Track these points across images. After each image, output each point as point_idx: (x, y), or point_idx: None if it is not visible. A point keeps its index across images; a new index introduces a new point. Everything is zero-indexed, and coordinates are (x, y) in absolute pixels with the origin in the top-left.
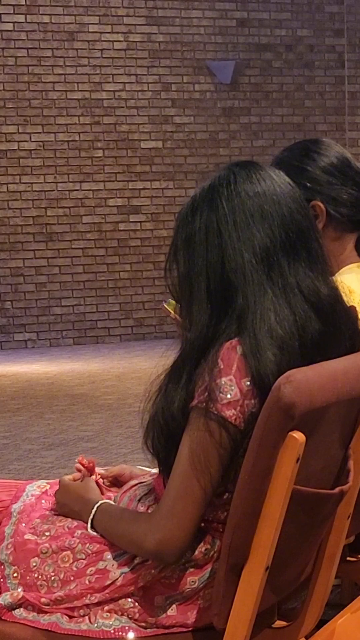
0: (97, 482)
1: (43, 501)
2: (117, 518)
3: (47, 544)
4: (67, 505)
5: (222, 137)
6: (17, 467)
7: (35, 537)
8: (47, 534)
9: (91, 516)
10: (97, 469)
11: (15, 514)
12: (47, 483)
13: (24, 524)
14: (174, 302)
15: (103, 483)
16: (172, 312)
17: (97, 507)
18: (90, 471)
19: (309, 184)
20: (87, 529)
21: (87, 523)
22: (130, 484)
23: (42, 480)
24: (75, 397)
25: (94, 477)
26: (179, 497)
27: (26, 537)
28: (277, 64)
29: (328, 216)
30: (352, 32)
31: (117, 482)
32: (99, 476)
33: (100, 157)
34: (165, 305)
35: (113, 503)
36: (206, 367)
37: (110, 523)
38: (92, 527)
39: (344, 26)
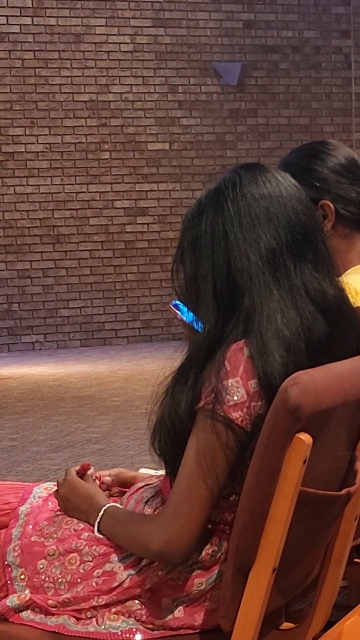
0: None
1: (50, 503)
2: (124, 521)
3: (53, 546)
4: (72, 502)
5: (229, 138)
6: (24, 469)
7: (42, 539)
8: (53, 536)
9: (98, 519)
10: (105, 478)
11: (22, 516)
12: (54, 485)
13: (30, 526)
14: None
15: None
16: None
17: (104, 511)
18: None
19: (317, 184)
20: (93, 532)
21: (93, 525)
22: (137, 486)
23: (49, 482)
24: (83, 399)
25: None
26: (185, 499)
27: (33, 539)
28: (283, 65)
29: (337, 215)
30: (359, 34)
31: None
32: (104, 484)
33: (107, 159)
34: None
35: (120, 506)
36: (213, 369)
37: (116, 526)
38: (98, 530)
39: (351, 27)
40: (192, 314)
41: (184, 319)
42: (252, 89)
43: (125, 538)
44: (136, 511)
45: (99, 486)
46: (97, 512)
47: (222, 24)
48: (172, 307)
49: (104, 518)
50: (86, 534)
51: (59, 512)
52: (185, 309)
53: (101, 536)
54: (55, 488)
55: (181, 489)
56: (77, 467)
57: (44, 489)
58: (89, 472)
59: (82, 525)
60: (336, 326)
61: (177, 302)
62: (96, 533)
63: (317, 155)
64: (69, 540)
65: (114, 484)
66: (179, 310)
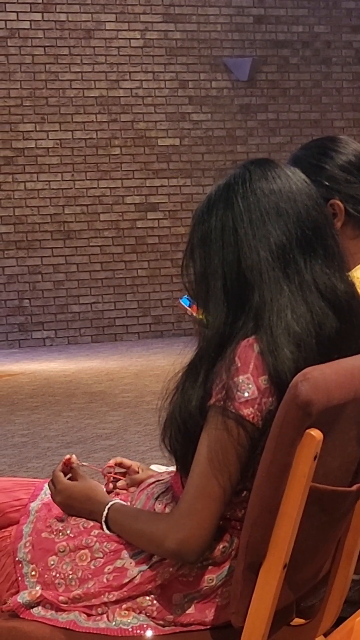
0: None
1: None
2: (133, 518)
3: (64, 543)
4: (74, 507)
5: (240, 134)
6: (35, 465)
7: (52, 535)
8: (63, 532)
9: (103, 517)
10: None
11: (33, 513)
12: None
13: (41, 523)
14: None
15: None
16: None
17: (110, 507)
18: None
19: (327, 183)
20: (103, 529)
21: (100, 523)
22: (147, 482)
23: None
24: (94, 395)
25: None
26: (199, 496)
27: (43, 535)
28: (294, 60)
29: (347, 215)
30: None
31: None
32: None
33: (117, 154)
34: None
35: (123, 502)
36: (223, 365)
37: (126, 523)
38: (107, 527)
39: None
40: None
41: (194, 314)
42: (263, 84)
43: (137, 535)
44: (146, 507)
45: (108, 483)
46: (101, 511)
47: (233, 19)
48: (182, 303)
49: (111, 514)
50: (96, 531)
51: None
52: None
53: (111, 533)
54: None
55: (194, 487)
56: (60, 467)
57: None
58: (74, 465)
59: (91, 523)
60: (347, 322)
61: (186, 297)
62: (106, 530)
63: (327, 153)
64: (79, 537)
65: (127, 487)
66: (188, 305)
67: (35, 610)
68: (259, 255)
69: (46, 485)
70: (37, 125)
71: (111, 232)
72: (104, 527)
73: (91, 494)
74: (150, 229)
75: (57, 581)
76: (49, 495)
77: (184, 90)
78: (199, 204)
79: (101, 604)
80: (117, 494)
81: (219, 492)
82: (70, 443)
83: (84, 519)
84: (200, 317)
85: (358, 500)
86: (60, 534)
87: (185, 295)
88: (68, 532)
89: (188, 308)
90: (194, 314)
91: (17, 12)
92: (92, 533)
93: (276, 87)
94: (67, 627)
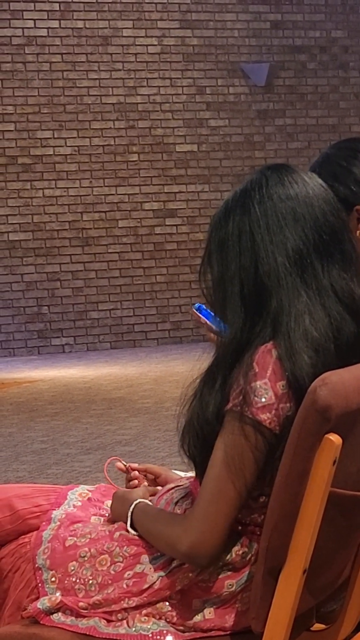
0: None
1: (91, 508)
2: (154, 518)
3: (86, 548)
4: (115, 503)
5: (257, 139)
6: (55, 472)
7: (75, 539)
8: (87, 536)
9: (130, 513)
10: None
11: (55, 520)
12: (88, 490)
13: (63, 530)
14: None
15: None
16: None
17: (135, 505)
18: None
19: (353, 187)
20: (126, 530)
21: (125, 522)
22: (167, 487)
23: (82, 486)
24: (113, 401)
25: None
26: (213, 501)
27: (67, 542)
28: (311, 65)
29: None
30: None
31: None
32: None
33: (135, 161)
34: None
35: (150, 503)
36: (241, 371)
37: (147, 522)
38: (131, 524)
39: None
40: (213, 315)
41: (208, 322)
42: (280, 90)
43: (155, 536)
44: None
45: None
46: (128, 506)
47: (250, 25)
48: (195, 311)
49: (136, 511)
50: (118, 534)
51: (101, 516)
52: (207, 312)
53: (132, 535)
54: (90, 494)
55: (209, 491)
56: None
57: (78, 496)
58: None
59: (116, 526)
60: None
61: (200, 305)
62: (128, 527)
63: (357, 156)
64: (102, 541)
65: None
66: (201, 313)
67: (55, 617)
68: (276, 260)
69: (69, 494)
70: (55, 132)
71: (129, 239)
72: (128, 522)
73: (126, 492)
74: (169, 235)
75: (76, 587)
76: (74, 508)
77: (201, 96)
78: (217, 209)
79: (121, 610)
80: None
81: (234, 497)
82: (89, 449)
83: (110, 525)
84: (214, 327)
85: None
86: (84, 537)
87: (199, 304)
88: (92, 535)
89: (202, 316)
90: (208, 323)
91: (34, 20)
92: (114, 536)
93: (294, 92)
94: (87, 633)
